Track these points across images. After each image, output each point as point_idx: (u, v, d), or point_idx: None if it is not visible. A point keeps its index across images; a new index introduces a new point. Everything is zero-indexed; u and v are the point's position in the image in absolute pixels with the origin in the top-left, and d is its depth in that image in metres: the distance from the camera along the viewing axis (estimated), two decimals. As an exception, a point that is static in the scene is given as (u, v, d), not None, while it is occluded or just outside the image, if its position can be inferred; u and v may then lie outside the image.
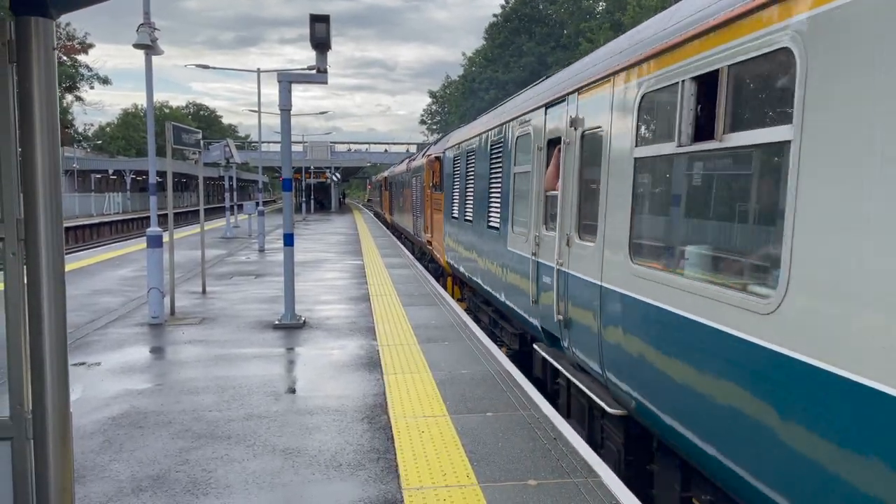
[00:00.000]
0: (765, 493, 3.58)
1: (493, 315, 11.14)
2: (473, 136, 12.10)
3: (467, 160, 12.49)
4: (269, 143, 75.55)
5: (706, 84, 4.15)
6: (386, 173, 44.84)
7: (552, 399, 7.39)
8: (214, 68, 57.13)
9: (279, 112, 10.38)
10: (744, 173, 4.10)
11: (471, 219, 11.96)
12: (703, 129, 4.15)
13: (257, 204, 29.46)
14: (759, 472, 3.61)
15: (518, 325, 9.31)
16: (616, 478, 5.04)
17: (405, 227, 27.82)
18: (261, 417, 6.35)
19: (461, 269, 13.21)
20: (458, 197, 13.46)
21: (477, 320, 11.74)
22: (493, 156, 10.29)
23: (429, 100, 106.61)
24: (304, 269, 17.15)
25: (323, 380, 7.61)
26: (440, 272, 17.45)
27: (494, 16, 73.17)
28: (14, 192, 2.57)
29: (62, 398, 2.67)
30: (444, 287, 15.62)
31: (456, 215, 13.67)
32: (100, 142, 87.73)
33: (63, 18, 2.79)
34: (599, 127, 5.95)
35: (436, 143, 21.42)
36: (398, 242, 26.30)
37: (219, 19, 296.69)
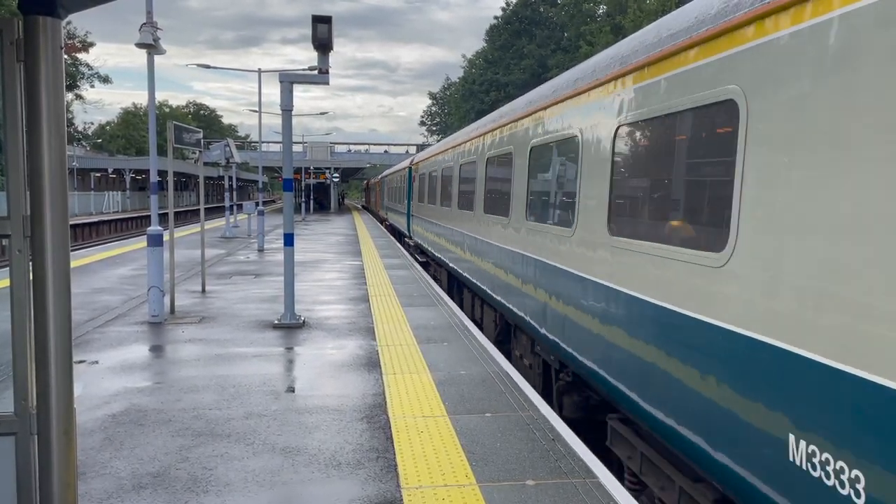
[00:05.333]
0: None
1: (389, 224, 35.59)
2: (382, 176, 44.78)
3: (382, 182, 43.94)
4: (269, 143, 75.53)
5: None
6: (368, 180, 78.66)
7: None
8: (215, 68, 57.12)
9: (280, 112, 10.40)
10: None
11: (383, 200, 41.10)
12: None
13: (257, 204, 29.47)
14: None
15: (392, 224, 34.01)
16: (614, 478, 5.07)
17: (372, 208, 61.66)
18: (260, 416, 6.37)
19: (381, 215, 43.29)
20: (385, 193, 39.58)
21: (390, 230, 34.70)
22: (388, 181, 37.10)
23: (429, 101, 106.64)
24: (303, 269, 17.18)
25: (322, 379, 7.64)
26: (383, 221, 42.00)
27: (495, 18, 73.18)
28: (21, 189, 2.59)
29: (66, 394, 2.70)
30: (383, 225, 39.10)
31: (383, 199, 40.85)
32: (99, 140, 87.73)
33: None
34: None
35: (381, 173, 52.49)
36: (397, 243, 26.36)
37: (220, 19, 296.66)
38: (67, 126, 2.75)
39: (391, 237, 30.10)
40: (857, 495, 2.99)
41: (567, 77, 7.41)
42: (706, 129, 4.60)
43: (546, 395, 7.82)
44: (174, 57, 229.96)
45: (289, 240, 10.70)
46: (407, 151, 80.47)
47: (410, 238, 23.12)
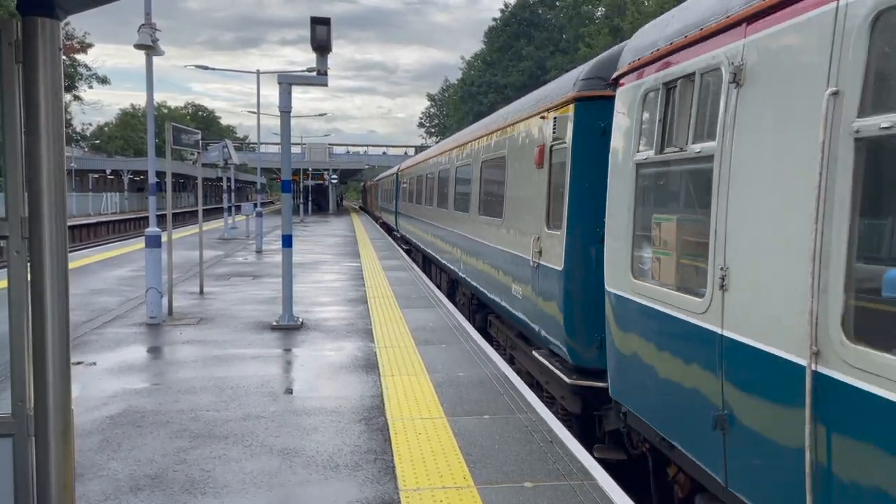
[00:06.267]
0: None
1: (383, 221, 42.12)
2: (377, 179, 55.55)
3: (377, 184, 51.32)
4: (267, 144, 75.51)
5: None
6: (366, 182, 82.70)
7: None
8: (214, 69, 57.04)
9: (279, 114, 10.41)
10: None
11: (378, 201, 48.85)
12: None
13: (255, 205, 29.45)
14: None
15: (384, 221, 40.79)
16: (611, 480, 5.07)
17: (369, 209, 64.66)
18: (258, 418, 6.37)
19: (376, 213, 50.85)
20: (379, 195, 48.08)
21: (384, 227, 39.35)
22: (382, 183, 45.70)
23: (428, 103, 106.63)
24: (301, 270, 17.16)
25: (320, 381, 7.64)
26: (377, 220, 47.38)
27: (494, 20, 73.14)
28: (19, 190, 2.59)
29: (64, 395, 2.69)
30: (378, 223, 43.75)
31: (378, 200, 48.82)
32: (98, 141, 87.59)
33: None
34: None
35: (373, 177, 66.05)
36: (395, 245, 26.38)
37: (219, 20, 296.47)
38: (66, 127, 2.74)
39: (389, 238, 30.16)
40: (518, 294, 8.38)
41: (467, 130, 14.61)
42: (500, 167, 9.72)
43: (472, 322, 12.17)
44: (173, 58, 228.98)
45: (287, 241, 10.70)
46: (405, 153, 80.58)
47: (398, 231, 30.16)
